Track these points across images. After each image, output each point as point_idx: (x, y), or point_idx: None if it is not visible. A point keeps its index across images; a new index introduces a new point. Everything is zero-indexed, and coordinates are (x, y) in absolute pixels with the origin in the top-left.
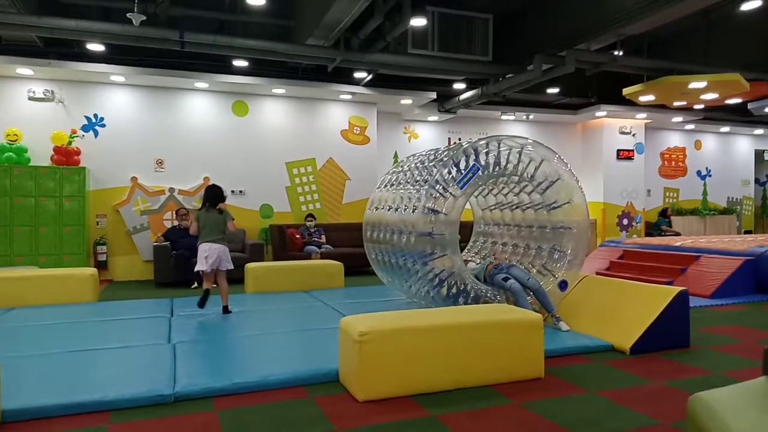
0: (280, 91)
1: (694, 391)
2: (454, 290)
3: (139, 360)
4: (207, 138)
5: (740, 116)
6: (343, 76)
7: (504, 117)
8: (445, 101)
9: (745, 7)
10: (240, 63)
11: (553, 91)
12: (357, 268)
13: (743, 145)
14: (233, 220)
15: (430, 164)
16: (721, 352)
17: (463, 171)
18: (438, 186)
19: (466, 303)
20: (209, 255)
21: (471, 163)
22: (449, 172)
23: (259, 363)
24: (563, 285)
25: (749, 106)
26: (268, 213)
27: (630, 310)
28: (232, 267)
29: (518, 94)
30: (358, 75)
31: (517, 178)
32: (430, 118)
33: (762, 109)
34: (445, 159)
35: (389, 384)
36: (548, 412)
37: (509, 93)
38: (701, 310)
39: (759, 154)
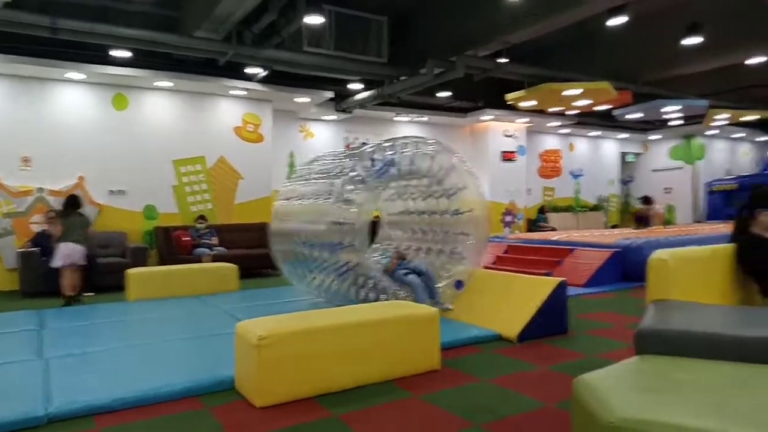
0: (167, 84)
1: (574, 374)
2: (360, 281)
3: (5, 379)
4: (82, 133)
5: (607, 122)
6: (236, 71)
7: (398, 118)
8: (341, 101)
9: (611, 22)
10: (121, 53)
11: (445, 94)
12: (253, 270)
13: (610, 148)
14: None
15: (345, 159)
16: (596, 336)
17: (378, 165)
18: (353, 177)
19: (367, 296)
20: (71, 254)
21: (386, 157)
22: (365, 165)
23: (146, 375)
24: (459, 284)
25: (614, 112)
26: (153, 214)
27: (515, 301)
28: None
29: (412, 96)
30: (251, 71)
31: (427, 181)
32: (327, 118)
33: (625, 115)
34: (361, 153)
35: (289, 387)
36: (445, 403)
37: (404, 95)
38: (577, 298)
39: (623, 156)
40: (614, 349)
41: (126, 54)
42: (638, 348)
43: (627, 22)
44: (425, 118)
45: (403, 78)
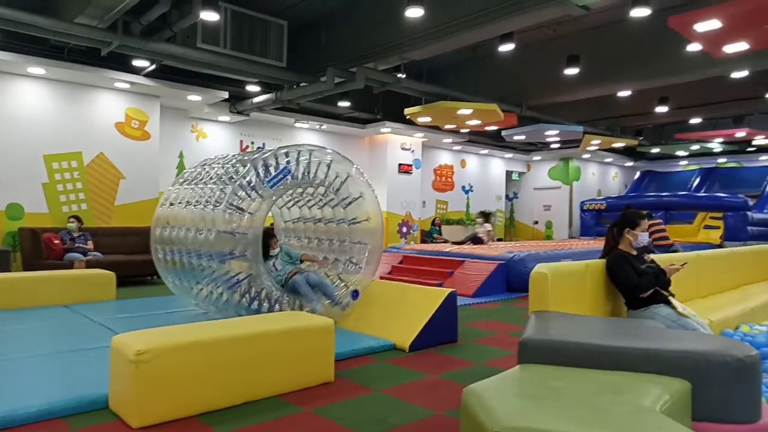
0: (39, 71)
1: (464, 381)
2: (251, 293)
3: None
4: None
5: (495, 141)
6: (121, 63)
7: (298, 124)
8: (237, 102)
9: (501, 48)
10: None
11: (344, 104)
12: (133, 277)
13: (497, 165)
14: None
15: (238, 164)
16: (483, 345)
17: (273, 171)
18: (246, 184)
19: (260, 308)
20: None
21: (282, 164)
22: (259, 172)
23: (1, 395)
24: (355, 294)
25: (503, 133)
26: (17, 214)
27: (408, 311)
28: None
29: (312, 103)
30: (138, 63)
31: (323, 190)
32: (221, 119)
33: (512, 136)
34: (254, 159)
35: (171, 405)
36: (337, 416)
37: (303, 101)
38: (466, 308)
39: (509, 174)
40: (500, 357)
41: None
42: (521, 357)
43: (514, 49)
44: (325, 127)
45: (303, 84)
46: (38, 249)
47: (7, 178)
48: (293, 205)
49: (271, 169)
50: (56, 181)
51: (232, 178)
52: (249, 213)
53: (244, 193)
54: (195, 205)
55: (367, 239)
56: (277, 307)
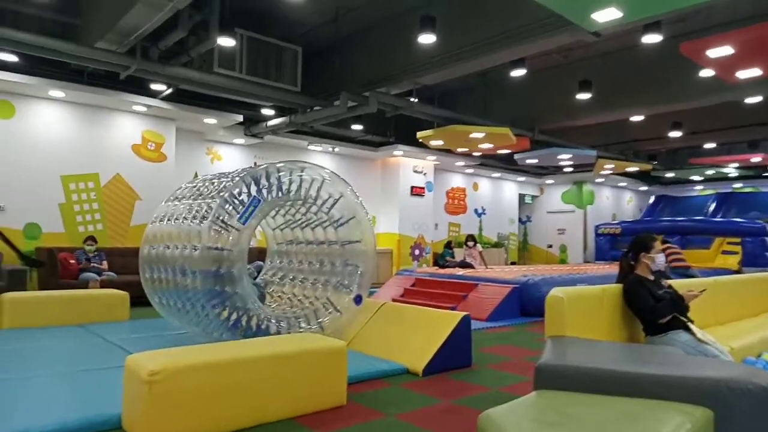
0: (59, 94)
1: (477, 407)
2: (238, 312)
3: None
4: None
5: (508, 164)
6: (138, 86)
7: (311, 147)
8: (252, 125)
9: (513, 73)
10: (8, 57)
11: (357, 127)
12: (145, 298)
13: (510, 189)
14: None
15: (209, 198)
16: (497, 370)
17: (245, 203)
18: (219, 221)
19: (248, 328)
20: None
21: (252, 194)
22: (229, 207)
23: (16, 414)
24: (358, 299)
25: (515, 156)
26: (35, 233)
27: (422, 334)
28: None
29: (325, 126)
30: (155, 87)
31: (316, 209)
32: (236, 141)
33: (524, 159)
34: (223, 192)
35: (183, 426)
36: None
37: (317, 124)
38: (480, 332)
39: (521, 198)
40: (515, 383)
41: (13, 58)
42: (537, 383)
43: (525, 74)
44: (338, 149)
45: (316, 108)
46: (54, 268)
47: (26, 198)
48: (285, 227)
49: (242, 200)
50: (73, 202)
51: (205, 217)
52: (228, 250)
53: (230, 207)
54: (180, 221)
55: (359, 262)
56: (263, 326)
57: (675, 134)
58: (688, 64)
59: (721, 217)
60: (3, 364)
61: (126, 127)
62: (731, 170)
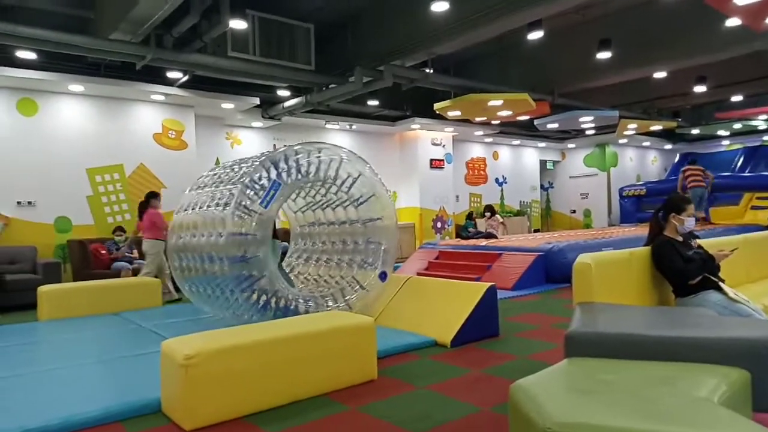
0: (78, 88)
1: (507, 376)
2: (267, 294)
3: None
4: None
5: (527, 131)
6: (155, 76)
7: (329, 126)
8: (269, 107)
9: (530, 36)
10: (27, 55)
11: (373, 103)
12: (175, 283)
13: (530, 155)
14: None
15: (230, 184)
16: (525, 338)
17: (265, 188)
18: (241, 207)
19: (277, 309)
20: None
21: (273, 177)
22: (250, 192)
23: (59, 401)
24: (383, 275)
25: (535, 122)
26: (66, 226)
27: (448, 307)
28: None
29: (341, 104)
30: (172, 75)
31: (335, 189)
32: (254, 124)
33: (545, 125)
34: (243, 178)
35: (220, 408)
36: (383, 413)
37: (333, 103)
38: (505, 301)
39: (543, 164)
40: (543, 351)
41: (32, 56)
42: (568, 350)
43: (543, 37)
44: (355, 126)
45: (332, 86)
46: (86, 260)
47: (54, 193)
48: (307, 209)
49: (263, 185)
50: (100, 194)
51: (227, 203)
52: (253, 234)
53: (252, 192)
54: (204, 209)
55: (382, 239)
56: (292, 307)
57: (700, 89)
58: (711, 15)
59: (749, 172)
60: (46, 355)
61: (146, 116)
62: (760, 122)
